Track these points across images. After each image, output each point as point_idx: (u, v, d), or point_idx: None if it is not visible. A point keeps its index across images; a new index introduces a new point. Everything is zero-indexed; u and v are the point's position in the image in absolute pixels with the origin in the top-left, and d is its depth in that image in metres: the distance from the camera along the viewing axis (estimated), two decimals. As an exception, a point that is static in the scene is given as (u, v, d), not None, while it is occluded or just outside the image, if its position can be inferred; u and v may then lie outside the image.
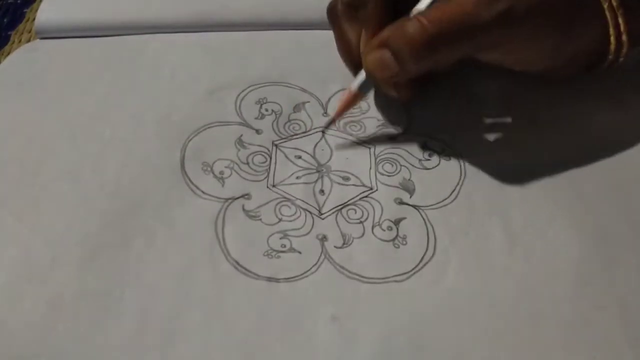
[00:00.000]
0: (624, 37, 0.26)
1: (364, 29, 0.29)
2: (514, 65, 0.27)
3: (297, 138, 0.31)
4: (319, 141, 0.31)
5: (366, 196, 0.28)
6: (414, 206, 0.28)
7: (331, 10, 0.31)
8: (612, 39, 0.26)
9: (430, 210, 0.28)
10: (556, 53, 0.27)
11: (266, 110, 0.32)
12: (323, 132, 0.30)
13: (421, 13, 0.26)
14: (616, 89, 0.32)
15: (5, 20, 0.40)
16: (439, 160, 0.29)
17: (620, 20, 0.25)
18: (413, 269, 0.25)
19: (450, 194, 0.28)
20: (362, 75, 0.29)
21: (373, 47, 0.27)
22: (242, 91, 0.33)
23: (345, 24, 0.30)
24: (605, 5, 0.25)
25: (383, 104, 0.32)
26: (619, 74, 0.30)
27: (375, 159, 0.30)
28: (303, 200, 0.28)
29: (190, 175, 0.28)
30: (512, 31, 0.25)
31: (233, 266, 0.25)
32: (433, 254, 0.26)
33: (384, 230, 0.27)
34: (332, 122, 0.30)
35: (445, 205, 0.28)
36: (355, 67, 0.30)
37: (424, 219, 0.27)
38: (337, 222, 0.27)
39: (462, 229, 0.27)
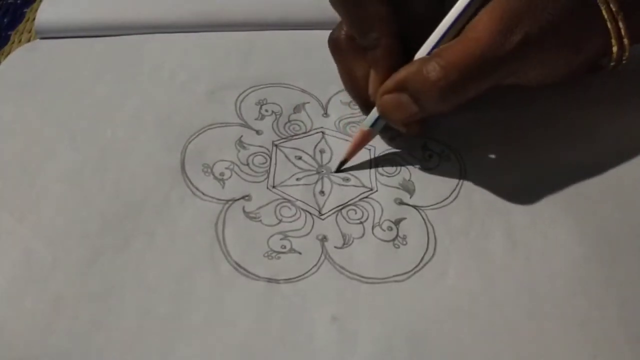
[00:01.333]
0: (625, 40, 0.26)
1: (373, 69, 0.28)
2: (525, 84, 0.27)
3: (297, 138, 0.31)
4: (319, 142, 0.31)
5: (366, 197, 0.28)
6: (414, 206, 0.28)
7: (334, 43, 0.30)
8: (615, 42, 0.26)
9: (431, 210, 0.28)
10: (565, 68, 0.27)
11: (266, 111, 0.32)
12: (337, 171, 0.29)
13: (438, 54, 0.25)
14: (618, 90, 0.32)
15: (5, 20, 0.40)
16: (439, 161, 0.29)
17: (621, 25, 0.25)
18: (413, 269, 0.26)
19: (450, 194, 0.28)
20: (373, 113, 0.28)
21: (388, 89, 0.26)
22: (242, 92, 0.33)
23: (350, 59, 0.29)
24: (604, 9, 0.25)
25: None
26: (621, 75, 0.30)
27: (375, 159, 0.30)
28: (303, 202, 0.28)
29: (191, 176, 0.29)
30: (530, 58, 0.25)
31: (233, 267, 0.25)
32: (433, 254, 0.26)
33: (384, 231, 0.27)
34: (344, 162, 0.29)
35: (445, 205, 0.28)
36: (363, 102, 0.30)
37: (424, 219, 0.27)
38: (337, 223, 0.27)
39: (462, 228, 0.27)
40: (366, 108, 0.30)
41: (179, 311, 0.24)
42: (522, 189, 0.28)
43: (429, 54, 0.26)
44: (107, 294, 0.24)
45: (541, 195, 0.28)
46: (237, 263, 0.26)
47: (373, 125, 0.28)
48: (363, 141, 0.29)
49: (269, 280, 0.25)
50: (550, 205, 0.27)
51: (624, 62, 0.27)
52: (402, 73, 0.26)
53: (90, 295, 0.24)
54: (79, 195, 0.28)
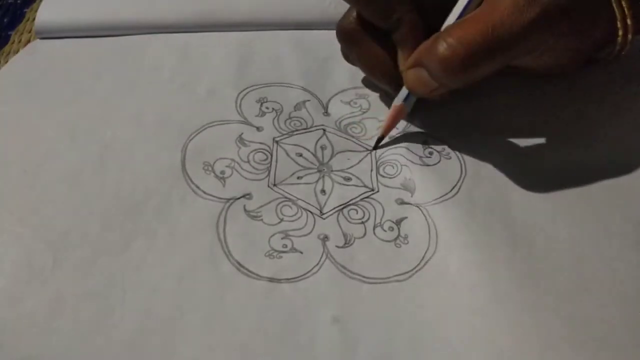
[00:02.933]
0: (630, 27, 0.26)
1: (399, 49, 0.29)
2: (534, 70, 0.27)
3: (298, 134, 0.31)
4: (320, 138, 0.31)
5: (367, 197, 0.28)
6: (415, 205, 0.28)
7: (346, 31, 0.30)
8: (620, 29, 0.26)
9: (431, 205, 0.27)
10: (574, 53, 0.27)
11: (267, 108, 0.32)
12: (375, 148, 0.30)
13: (447, 31, 0.25)
14: (620, 89, 0.32)
15: (5, 20, 0.40)
16: (440, 158, 0.29)
17: (626, 10, 0.25)
18: (415, 267, 0.25)
19: (451, 190, 0.28)
20: (404, 89, 0.29)
21: (410, 65, 0.27)
22: (242, 91, 0.33)
23: (367, 44, 0.29)
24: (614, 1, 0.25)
25: (383, 104, 0.32)
26: (622, 74, 0.30)
27: (377, 160, 0.30)
28: (304, 200, 0.28)
29: (191, 175, 0.28)
30: (544, 37, 0.25)
31: (234, 266, 0.25)
32: (435, 250, 0.26)
33: (386, 231, 0.27)
34: (381, 138, 0.30)
35: (446, 200, 0.28)
36: (391, 82, 0.30)
37: (425, 216, 0.27)
38: (338, 222, 0.27)
39: (463, 223, 0.27)
40: (394, 85, 0.30)
41: (180, 311, 0.24)
42: (523, 185, 0.28)
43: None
44: (107, 294, 0.24)
45: (542, 191, 0.28)
46: (238, 262, 0.25)
47: (405, 100, 0.29)
48: (397, 116, 0.29)
49: (270, 279, 0.25)
50: (552, 201, 0.27)
51: (626, 49, 0.27)
52: (419, 49, 0.26)
53: (90, 295, 0.24)
54: (79, 195, 0.28)
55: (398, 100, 0.29)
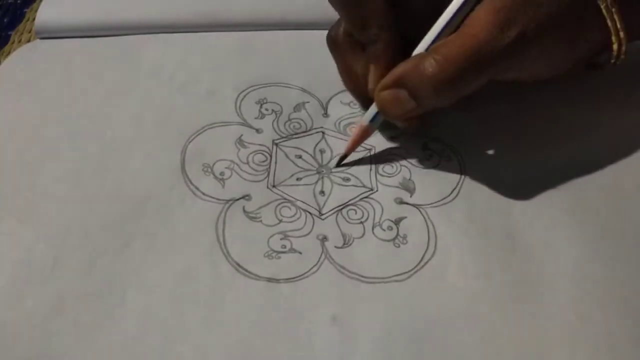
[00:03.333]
0: (622, 35, 0.26)
1: (372, 65, 0.28)
2: (522, 80, 0.27)
3: (297, 137, 0.31)
4: (319, 141, 0.31)
5: (366, 197, 0.28)
6: (414, 205, 0.28)
7: (332, 40, 0.30)
8: (613, 38, 0.26)
9: (431, 208, 0.28)
10: (564, 63, 0.27)
11: (266, 109, 0.32)
12: (338, 165, 0.29)
13: (435, 50, 0.25)
14: (619, 89, 0.32)
15: (5, 20, 0.40)
16: (439, 160, 0.29)
17: (617, 18, 0.25)
18: (414, 268, 0.25)
19: (451, 193, 0.28)
20: (372, 109, 0.28)
21: (387, 85, 0.26)
22: (242, 91, 0.33)
23: (349, 56, 0.29)
24: (603, 6, 0.25)
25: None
26: (622, 74, 0.30)
27: (376, 160, 0.30)
28: (303, 202, 0.28)
29: (191, 176, 0.29)
30: (527, 53, 0.25)
31: (234, 267, 0.25)
32: (434, 252, 0.26)
33: (385, 230, 0.27)
34: (344, 157, 0.29)
35: (445, 204, 0.28)
36: (362, 99, 0.30)
37: (424, 218, 0.27)
38: (337, 223, 0.27)
39: (463, 226, 0.27)
40: (366, 105, 0.30)
41: (179, 311, 0.24)
42: (523, 187, 0.28)
43: (426, 50, 0.26)
44: (107, 294, 0.24)
45: (541, 194, 0.28)
46: (237, 263, 0.26)
47: (372, 120, 0.28)
48: (362, 136, 0.29)
49: (269, 280, 0.25)
50: (551, 204, 0.27)
51: (621, 58, 0.27)
52: (400, 69, 0.26)
53: (90, 296, 0.24)
54: (79, 196, 0.28)
55: (365, 121, 0.29)
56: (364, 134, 0.29)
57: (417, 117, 0.28)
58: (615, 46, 0.26)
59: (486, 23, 0.24)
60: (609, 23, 0.26)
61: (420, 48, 0.26)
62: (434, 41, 0.26)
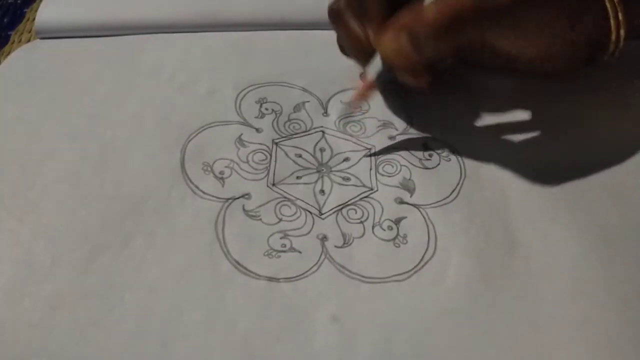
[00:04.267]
0: (622, 29, 0.26)
1: (368, 24, 0.29)
2: (519, 61, 0.27)
3: (297, 137, 0.31)
4: (319, 140, 0.31)
5: (366, 196, 0.28)
6: (414, 205, 0.28)
7: (334, 11, 0.30)
8: (613, 29, 0.26)
9: (431, 208, 0.28)
10: (562, 44, 0.27)
11: (266, 109, 0.32)
12: (333, 124, 0.30)
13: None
14: (617, 89, 0.32)
15: (5, 20, 0.40)
16: (439, 160, 0.29)
17: (619, 10, 0.26)
18: (413, 268, 0.25)
19: (451, 193, 0.28)
20: (377, 64, 0.28)
21: (388, 31, 0.27)
22: (242, 91, 0.33)
23: (351, 20, 0.30)
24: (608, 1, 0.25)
25: (383, 104, 0.32)
26: (619, 73, 0.30)
27: (376, 159, 0.30)
28: (303, 200, 0.28)
29: (191, 175, 0.29)
30: (527, 12, 0.25)
31: (233, 266, 0.25)
32: (434, 252, 0.26)
33: (384, 230, 0.27)
34: (347, 108, 0.30)
35: (445, 204, 0.28)
36: (366, 61, 0.30)
37: (424, 218, 0.27)
38: (337, 222, 0.27)
39: (462, 227, 0.27)
40: (367, 62, 0.30)
41: (179, 310, 0.24)
42: (522, 188, 0.28)
43: None
44: (106, 293, 0.24)
45: (541, 194, 0.28)
46: (237, 262, 0.26)
47: (377, 76, 0.28)
48: (367, 91, 0.29)
49: (269, 279, 0.25)
50: (550, 204, 0.27)
51: (617, 53, 0.27)
52: (401, 13, 0.26)
53: (90, 295, 0.24)
54: (79, 195, 0.28)
55: (370, 75, 0.29)
56: (369, 88, 0.29)
57: (425, 74, 0.28)
58: (613, 38, 0.27)
59: None
60: (610, 12, 0.26)
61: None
62: None
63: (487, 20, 0.25)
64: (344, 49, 0.32)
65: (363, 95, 0.30)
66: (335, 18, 0.30)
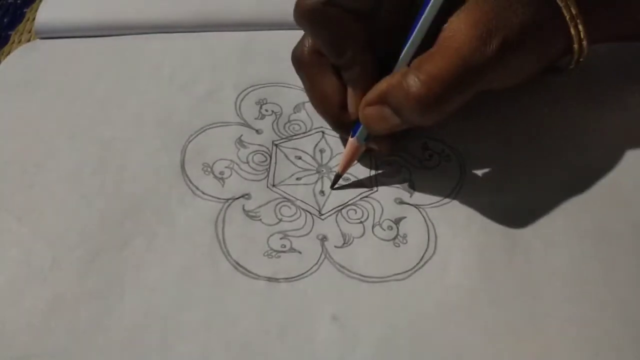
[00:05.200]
0: (584, 44, 0.26)
1: (350, 88, 0.28)
2: (493, 89, 0.27)
3: (297, 138, 0.31)
4: (319, 141, 0.31)
5: (366, 196, 0.28)
6: (414, 205, 0.28)
7: (298, 60, 0.29)
8: (576, 43, 0.26)
9: (431, 208, 0.28)
10: (535, 69, 0.26)
11: (266, 110, 0.32)
12: (333, 186, 0.29)
13: (418, 67, 0.24)
14: (617, 90, 0.32)
15: (5, 20, 0.40)
16: (439, 161, 0.29)
17: (580, 28, 0.25)
18: (414, 267, 0.25)
19: (451, 193, 0.28)
20: (363, 127, 0.27)
21: (370, 101, 0.26)
22: (242, 91, 0.33)
23: (318, 75, 0.28)
24: (568, 17, 0.25)
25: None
26: (618, 75, 0.30)
27: (376, 160, 0.30)
28: (303, 201, 0.28)
29: (191, 175, 0.29)
30: (511, 62, 0.24)
31: (233, 266, 0.25)
32: (434, 252, 0.26)
33: (385, 230, 0.27)
34: (339, 176, 0.28)
35: (445, 204, 0.28)
36: (333, 118, 0.29)
37: (424, 218, 0.27)
38: (337, 222, 0.27)
39: (462, 226, 0.27)
40: (338, 127, 0.29)
41: (179, 310, 0.24)
42: (522, 188, 0.28)
43: (408, 64, 0.25)
44: (106, 294, 0.24)
45: (541, 194, 0.28)
46: (236, 262, 0.26)
47: (363, 138, 0.28)
48: (355, 154, 0.28)
49: (269, 279, 0.25)
50: (550, 204, 0.27)
51: (581, 60, 0.27)
52: (384, 85, 0.25)
53: (89, 295, 0.24)
54: (79, 195, 0.28)
55: (358, 139, 0.27)
56: (356, 151, 0.28)
57: (388, 139, 0.28)
58: (576, 52, 0.26)
59: (467, 36, 0.24)
60: (572, 31, 0.25)
61: (401, 62, 0.26)
62: (415, 54, 0.25)
63: (476, 82, 0.24)
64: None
65: (352, 159, 0.28)
66: (299, 66, 0.29)
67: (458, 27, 0.24)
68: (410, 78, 0.24)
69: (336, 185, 0.29)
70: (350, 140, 0.28)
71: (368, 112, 0.26)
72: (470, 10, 0.24)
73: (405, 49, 0.26)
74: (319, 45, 0.27)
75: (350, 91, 0.28)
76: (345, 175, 0.29)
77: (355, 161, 0.29)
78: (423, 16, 0.25)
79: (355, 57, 0.26)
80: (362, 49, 0.26)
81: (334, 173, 0.29)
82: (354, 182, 0.29)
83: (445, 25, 0.25)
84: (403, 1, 0.26)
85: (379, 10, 0.26)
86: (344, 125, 0.28)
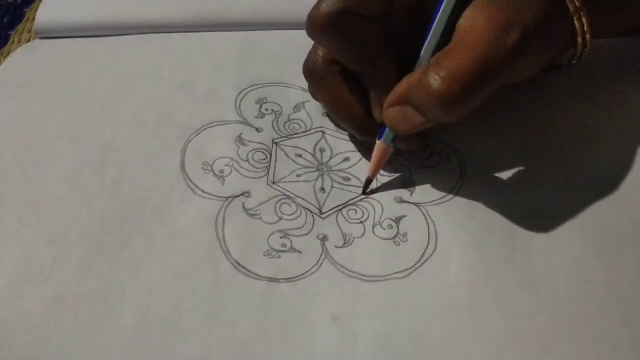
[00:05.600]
0: (588, 36, 0.26)
1: (374, 93, 0.28)
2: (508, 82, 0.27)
3: (297, 137, 0.31)
4: (319, 141, 0.31)
5: (367, 196, 0.28)
6: (414, 203, 0.28)
7: (313, 73, 0.29)
8: (579, 36, 0.26)
9: (432, 206, 0.28)
10: (545, 62, 0.26)
11: (266, 109, 0.32)
12: (364, 192, 0.28)
13: (437, 64, 0.24)
14: (617, 89, 0.32)
15: (5, 20, 0.40)
16: (439, 160, 0.29)
17: (584, 22, 0.25)
18: (414, 265, 0.25)
19: (451, 191, 0.28)
20: (389, 130, 0.27)
21: (393, 103, 0.25)
22: (242, 91, 0.33)
23: (335, 85, 0.28)
24: (571, 9, 0.25)
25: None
26: (619, 74, 0.30)
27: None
28: (303, 199, 0.28)
29: (191, 175, 0.28)
30: (529, 54, 0.24)
31: (234, 266, 0.25)
32: (434, 249, 0.26)
33: (385, 229, 0.27)
34: (370, 181, 0.28)
35: (446, 202, 0.28)
36: (358, 128, 0.28)
37: (425, 216, 0.27)
38: (337, 222, 0.27)
39: (463, 224, 0.27)
40: (362, 132, 0.29)
41: (179, 310, 0.24)
42: (523, 186, 0.28)
43: (427, 62, 0.25)
44: (107, 294, 0.24)
45: (542, 192, 0.28)
46: (237, 262, 0.26)
47: (391, 140, 0.27)
48: (384, 157, 0.28)
49: (270, 279, 0.25)
50: (551, 202, 0.27)
51: (584, 55, 0.27)
52: (404, 85, 0.25)
53: (90, 295, 0.24)
54: (79, 195, 0.28)
55: (387, 142, 0.27)
56: (385, 153, 0.28)
57: (416, 137, 0.28)
58: (580, 46, 0.26)
59: (485, 30, 0.24)
60: (576, 24, 0.25)
61: (422, 61, 0.26)
62: (434, 52, 0.25)
63: (496, 78, 0.24)
64: (316, 97, 0.30)
65: (382, 162, 0.28)
66: (314, 79, 0.29)
67: (475, 22, 0.24)
68: (430, 76, 0.24)
69: (367, 190, 0.28)
70: (378, 143, 0.28)
71: (391, 113, 0.26)
72: (485, 5, 0.24)
73: (425, 47, 0.26)
74: (336, 55, 0.27)
75: (373, 96, 0.28)
76: (345, 175, 0.29)
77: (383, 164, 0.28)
78: (439, 13, 0.25)
79: (376, 63, 0.27)
80: (381, 53, 0.27)
81: (335, 172, 0.29)
82: (384, 184, 0.29)
83: (461, 22, 0.25)
84: (412, 4, 0.26)
85: (391, 14, 0.26)
86: (369, 130, 0.28)
